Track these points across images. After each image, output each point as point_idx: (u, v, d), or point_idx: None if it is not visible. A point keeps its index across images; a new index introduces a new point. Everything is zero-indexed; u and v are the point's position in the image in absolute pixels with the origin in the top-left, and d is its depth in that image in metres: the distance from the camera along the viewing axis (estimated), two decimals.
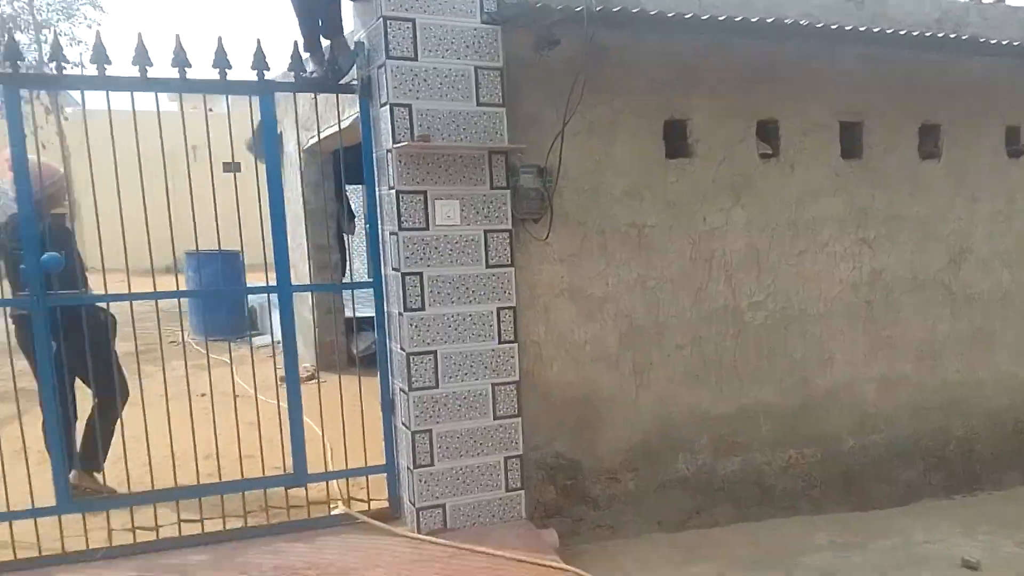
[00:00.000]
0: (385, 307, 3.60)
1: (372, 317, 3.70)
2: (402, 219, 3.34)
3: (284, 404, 3.53)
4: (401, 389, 3.50)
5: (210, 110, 3.75)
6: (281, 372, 3.70)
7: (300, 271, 6.69)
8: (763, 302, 4.13)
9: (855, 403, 4.40)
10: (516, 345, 3.59)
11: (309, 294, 6.55)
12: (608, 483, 3.92)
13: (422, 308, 3.40)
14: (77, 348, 3.31)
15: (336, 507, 3.67)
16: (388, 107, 3.29)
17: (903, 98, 4.32)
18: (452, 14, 3.32)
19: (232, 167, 3.50)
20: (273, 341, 4.23)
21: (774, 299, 4.15)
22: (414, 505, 3.48)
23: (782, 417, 4.23)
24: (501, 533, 3.56)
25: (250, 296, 8.36)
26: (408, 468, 3.52)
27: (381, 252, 3.57)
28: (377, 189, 3.54)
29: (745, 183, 4.03)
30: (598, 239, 3.78)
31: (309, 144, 6.33)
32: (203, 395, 4.34)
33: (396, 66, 3.28)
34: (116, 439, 3.60)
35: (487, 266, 3.50)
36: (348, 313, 7.01)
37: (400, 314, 3.40)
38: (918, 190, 4.43)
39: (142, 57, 3.17)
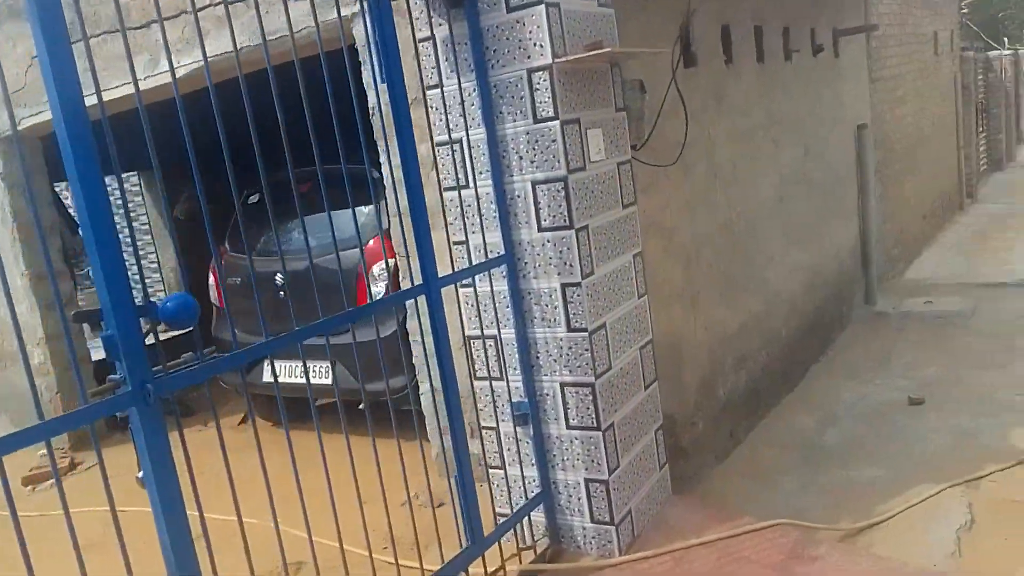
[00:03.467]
0: (529, 285, 2.90)
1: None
2: (569, 158, 2.72)
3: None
4: (571, 384, 2.91)
5: None
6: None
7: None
8: (742, 212, 4.46)
9: (784, 295, 5.10)
10: (647, 297, 3.28)
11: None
12: (690, 430, 3.89)
13: (592, 272, 2.86)
14: None
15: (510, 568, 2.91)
16: (542, 7, 2.60)
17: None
18: None
19: None
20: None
21: (745, 207, 4.52)
22: (612, 523, 2.99)
23: (758, 323, 4.69)
24: (677, 516, 3.31)
25: None
26: (587, 481, 2.98)
27: (512, 212, 2.85)
28: (504, 128, 2.78)
29: (722, 92, 4.25)
30: (661, 164, 3.61)
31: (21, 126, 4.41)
32: None
33: None
34: None
35: (623, 207, 3.09)
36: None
37: (576, 284, 2.80)
38: (786, 89, 5.21)
39: None
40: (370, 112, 3.50)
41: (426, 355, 2.67)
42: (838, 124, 6.27)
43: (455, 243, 2.98)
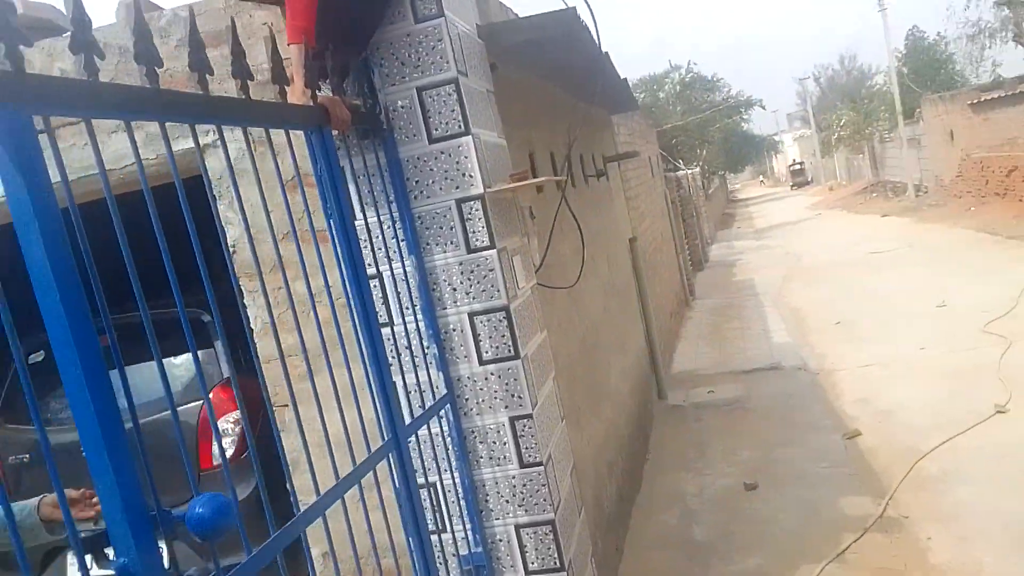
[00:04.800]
0: (472, 423, 2.66)
1: None
2: (507, 287, 2.61)
3: None
4: (528, 524, 2.69)
5: None
6: None
7: None
8: (589, 325, 4.59)
9: (621, 398, 5.28)
10: (565, 420, 3.19)
11: None
12: (594, 550, 3.78)
13: (537, 401, 2.73)
14: None
15: None
16: (470, 139, 2.52)
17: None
18: (463, 20, 2.76)
19: None
20: None
21: (591, 321, 4.66)
22: None
23: (614, 428, 4.79)
24: None
25: None
26: None
27: (448, 347, 2.63)
28: (434, 259, 2.59)
29: (562, 214, 4.40)
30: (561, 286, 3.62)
31: None
32: None
33: (466, 84, 2.54)
34: None
35: (540, 331, 3.02)
36: None
37: (527, 417, 2.64)
38: (591, 209, 5.56)
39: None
40: (230, 249, 3.15)
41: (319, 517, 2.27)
42: (618, 238, 6.80)
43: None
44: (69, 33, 2.28)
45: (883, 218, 21.84)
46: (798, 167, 55.69)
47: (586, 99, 5.40)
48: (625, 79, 5.40)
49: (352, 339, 2.24)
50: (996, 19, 18.99)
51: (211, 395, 4.14)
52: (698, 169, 23.43)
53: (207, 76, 1.69)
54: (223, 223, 3.10)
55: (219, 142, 1.97)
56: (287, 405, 3.16)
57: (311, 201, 2.95)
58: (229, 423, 4.28)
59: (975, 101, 18.87)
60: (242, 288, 3.24)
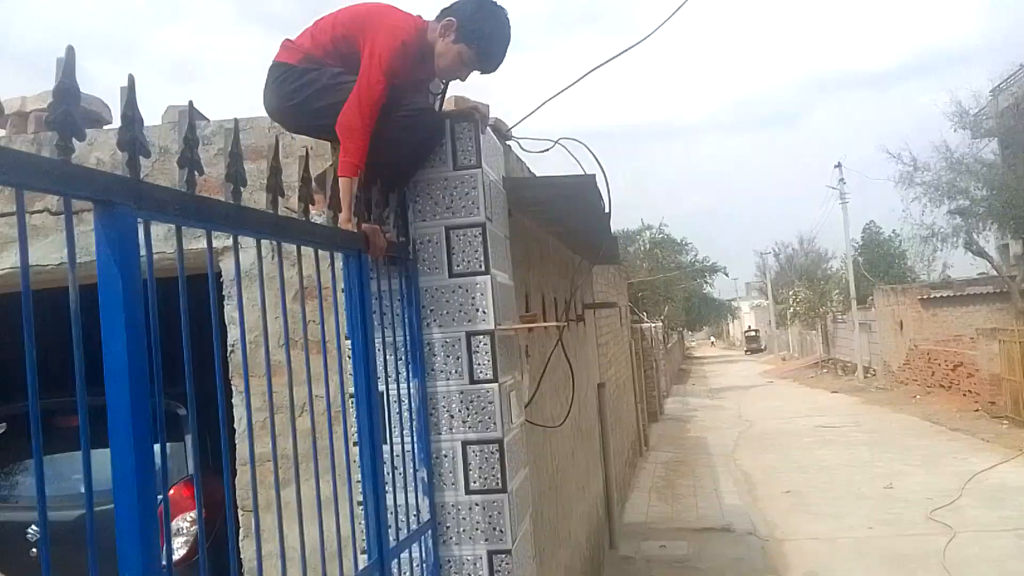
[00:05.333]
0: (450, 552, 2.66)
1: None
2: (503, 420, 2.69)
3: None
4: None
5: None
6: None
7: None
8: (559, 465, 4.63)
9: (579, 544, 5.24)
10: (536, 558, 3.19)
11: None
12: None
13: (516, 538, 2.75)
14: None
15: None
16: (488, 278, 2.67)
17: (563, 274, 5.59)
18: (494, 171, 2.97)
19: None
20: None
21: (560, 461, 4.70)
22: None
23: (562, 571, 4.73)
24: None
25: None
26: None
27: (437, 472, 2.67)
28: (436, 385, 2.67)
29: (546, 353, 4.54)
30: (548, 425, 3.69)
31: None
32: None
33: (491, 229, 2.72)
34: None
35: (524, 467, 3.07)
36: None
37: (506, 552, 2.65)
38: (571, 351, 5.71)
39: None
40: (229, 349, 3.22)
41: None
42: (589, 383, 6.93)
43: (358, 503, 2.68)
44: (111, 127, 2.42)
45: (832, 394, 22.33)
46: (753, 334, 57.18)
47: (578, 250, 5.67)
48: (615, 237, 5.69)
49: (336, 450, 2.27)
50: (949, 226, 20.37)
51: (172, 491, 4.05)
52: (660, 324, 23.98)
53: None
54: (227, 323, 3.20)
55: (232, 248, 2.05)
56: (251, 511, 3.13)
57: (312, 312, 3.07)
58: (186, 522, 4.16)
59: (925, 297, 19.86)
60: (233, 388, 3.27)
